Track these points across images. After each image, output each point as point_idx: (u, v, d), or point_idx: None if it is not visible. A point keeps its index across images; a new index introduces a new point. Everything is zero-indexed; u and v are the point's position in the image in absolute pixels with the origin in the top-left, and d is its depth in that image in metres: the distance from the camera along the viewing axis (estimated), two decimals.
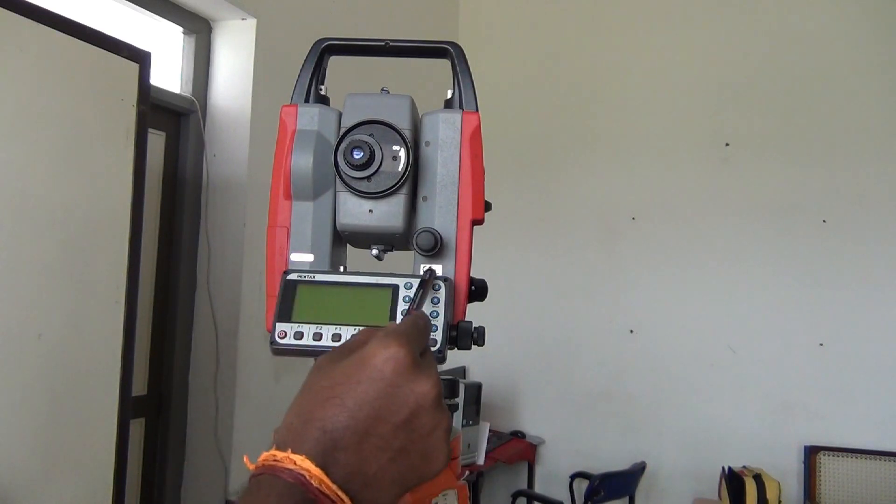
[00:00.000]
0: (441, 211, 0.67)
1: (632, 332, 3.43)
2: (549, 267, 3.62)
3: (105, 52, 1.67)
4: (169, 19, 2.32)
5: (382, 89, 0.69)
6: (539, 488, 3.49)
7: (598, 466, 3.19)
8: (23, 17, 1.49)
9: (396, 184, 0.64)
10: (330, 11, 2.82)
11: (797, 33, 3.26)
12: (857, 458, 2.98)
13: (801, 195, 3.17)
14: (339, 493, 0.40)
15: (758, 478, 2.43)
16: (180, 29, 2.41)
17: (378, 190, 0.65)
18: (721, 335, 3.25)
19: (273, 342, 0.60)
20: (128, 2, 2.13)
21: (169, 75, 2.37)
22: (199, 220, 2.42)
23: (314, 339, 0.60)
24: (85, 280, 1.59)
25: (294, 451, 0.41)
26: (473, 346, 0.64)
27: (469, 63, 0.71)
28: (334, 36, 0.76)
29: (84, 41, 1.62)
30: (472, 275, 0.70)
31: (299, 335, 0.60)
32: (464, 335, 0.63)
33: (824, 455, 3.01)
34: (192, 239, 2.41)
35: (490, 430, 3.03)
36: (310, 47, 0.74)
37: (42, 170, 1.55)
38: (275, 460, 0.41)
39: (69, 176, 1.60)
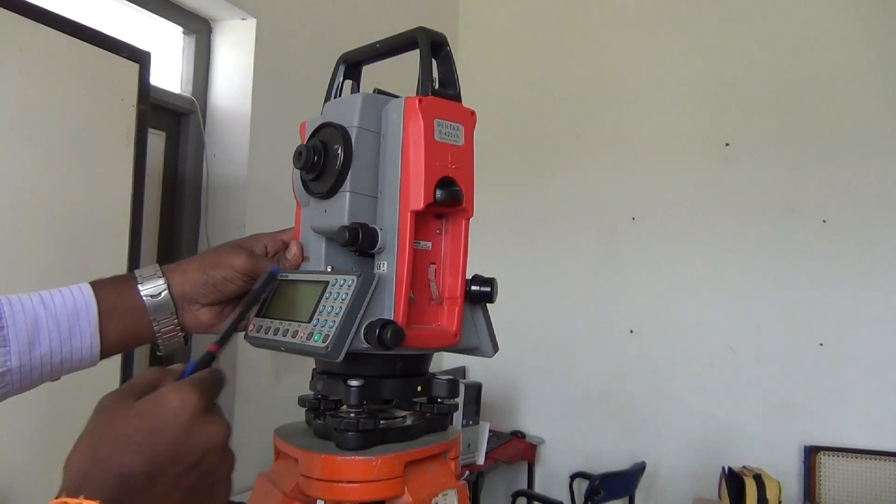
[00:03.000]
0: (388, 203, 0.64)
1: (632, 332, 3.43)
2: (548, 267, 3.62)
3: (105, 52, 1.67)
4: (169, 19, 2.32)
5: (375, 89, 0.69)
6: (539, 488, 3.49)
7: (598, 466, 3.19)
8: (23, 17, 1.49)
9: (335, 181, 0.64)
10: (330, 12, 2.82)
11: (797, 33, 3.26)
12: (857, 458, 2.98)
13: (801, 195, 3.17)
14: None
15: (758, 478, 2.43)
16: (180, 29, 2.41)
17: (323, 190, 0.65)
18: (721, 335, 3.25)
19: (246, 334, 0.69)
20: (128, 2, 2.13)
21: (169, 75, 2.37)
22: (199, 220, 2.42)
23: (273, 334, 0.65)
24: (85, 280, 1.59)
25: (87, 497, 0.41)
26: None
27: (454, 53, 0.68)
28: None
29: (84, 41, 1.62)
30: (479, 274, 0.69)
31: (265, 329, 0.66)
32: (370, 332, 0.59)
33: (824, 455, 3.01)
34: (192, 239, 2.41)
35: (490, 430, 3.03)
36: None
37: (42, 170, 1.55)
38: None
39: (69, 175, 1.60)
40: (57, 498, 0.42)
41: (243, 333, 0.70)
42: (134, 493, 0.43)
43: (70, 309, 0.63)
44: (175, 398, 0.46)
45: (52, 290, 0.64)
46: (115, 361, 1.63)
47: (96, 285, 0.66)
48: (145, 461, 0.44)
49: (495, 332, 0.71)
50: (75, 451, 0.46)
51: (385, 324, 0.59)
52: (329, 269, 0.68)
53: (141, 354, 2.15)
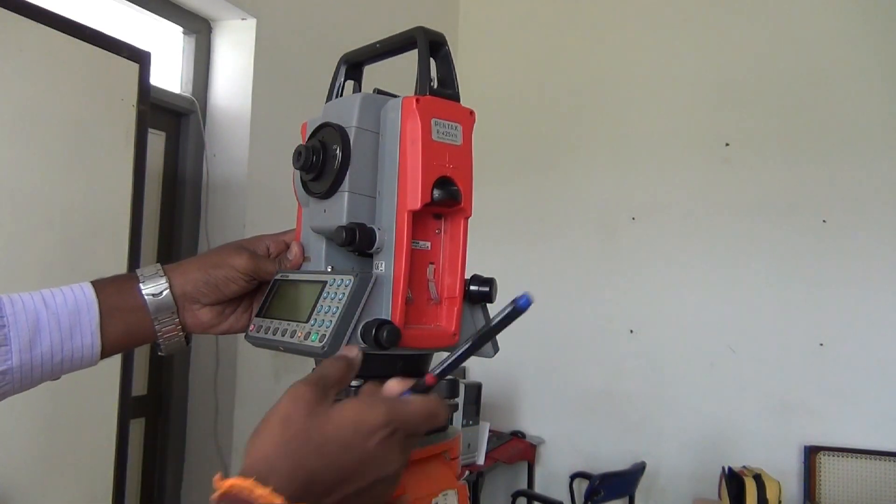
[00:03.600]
0: (386, 203, 0.63)
1: (632, 332, 3.44)
2: (548, 267, 3.62)
3: (105, 52, 1.67)
4: (169, 19, 2.32)
5: (375, 89, 0.69)
6: (539, 488, 3.49)
7: (598, 466, 3.19)
8: (23, 17, 1.49)
9: (333, 181, 0.64)
10: (330, 12, 2.82)
11: (797, 33, 3.26)
12: (857, 458, 2.98)
13: (801, 195, 3.17)
14: None
15: (758, 478, 2.43)
16: (180, 29, 2.41)
17: (322, 190, 0.65)
18: (721, 335, 3.25)
19: (246, 334, 0.69)
20: (128, 2, 2.13)
21: (169, 75, 2.37)
22: (199, 220, 2.42)
23: (272, 334, 0.65)
24: (85, 279, 1.59)
25: (275, 490, 0.42)
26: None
27: (453, 53, 0.67)
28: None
29: (84, 41, 1.62)
30: (478, 274, 0.69)
31: (265, 329, 0.66)
32: (366, 332, 0.59)
33: (824, 455, 3.01)
34: (192, 239, 2.41)
35: (490, 430, 3.03)
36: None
37: (42, 170, 1.55)
38: (251, 496, 0.42)
39: (69, 176, 1.60)
40: (244, 477, 0.43)
41: (244, 333, 0.70)
42: (312, 498, 0.44)
43: (71, 308, 0.63)
44: (366, 423, 0.47)
45: (53, 289, 0.64)
46: (116, 361, 1.63)
47: (97, 284, 0.66)
48: (332, 473, 0.45)
49: None
50: (265, 434, 0.47)
51: (381, 324, 0.59)
52: (329, 269, 0.68)
53: (141, 356, 2.15)
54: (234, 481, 0.43)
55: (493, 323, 0.54)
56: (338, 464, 0.46)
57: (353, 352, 0.56)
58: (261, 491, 0.42)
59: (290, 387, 0.50)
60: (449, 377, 0.67)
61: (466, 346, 0.54)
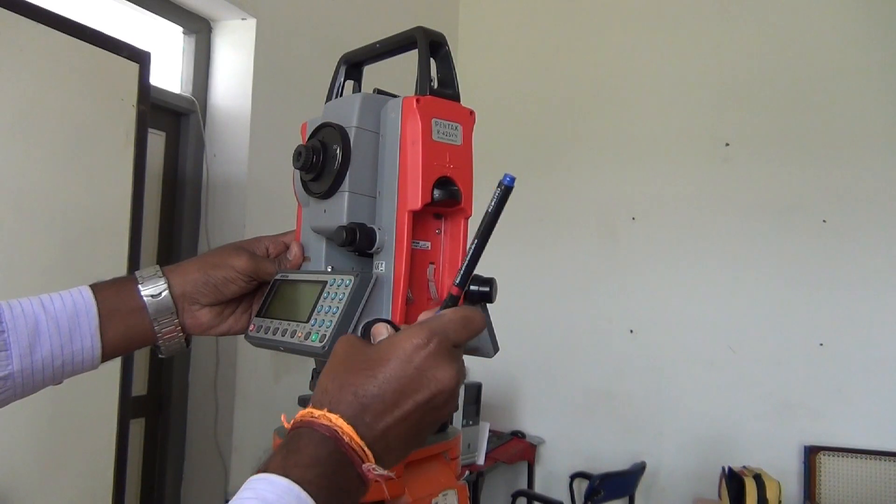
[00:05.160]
0: (386, 203, 0.63)
1: (632, 332, 3.43)
2: (548, 267, 3.62)
3: (105, 52, 1.67)
4: (169, 19, 2.32)
5: (375, 90, 0.69)
6: (539, 488, 3.49)
7: (598, 466, 3.19)
8: (23, 17, 1.49)
9: (333, 181, 0.64)
10: (330, 12, 2.82)
11: (797, 33, 3.26)
12: (857, 458, 2.98)
13: (801, 195, 3.17)
14: (366, 449, 0.47)
15: (758, 478, 2.43)
16: (180, 29, 2.41)
17: (322, 190, 0.65)
18: (721, 335, 3.25)
19: (247, 334, 0.69)
20: (128, 2, 2.13)
21: (169, 75, 2.37)
22: (199, 220, 2.42)
23: (272, 334, 0.65)
24: (85, 280, 1.58)
25: (330, 411, 0.47)
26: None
27: (453, 53, 0.67)
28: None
29: (84, 41, 1.62)
30: (478, 274, 0.69)
31: (265, 329, 0.67)
32: (366, 333, 0.59)
33: (824, 455, 3.01)
34: (192, 239, 2.41)
35: (490, 430, 3.03)
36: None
37: (42, 170, 1.55)
38: (312, 417, 0.47)
39: (69, 176, 1.60)
40: (320, 410, 0.48)
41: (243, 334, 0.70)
42: (367, 414, 0.48)
43: (70, 311, 0.63)
44: (411, 339, 0.50)
45: (51, 293, 0.64)
46: (115, 361, 1.63)
47: (96, 288, 0.66)
48: (377, 384, 0.49)
49: (495, 332, 0.71)
50: (322, 375, 0.51)
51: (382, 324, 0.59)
52: (329, 269, 0.68)
53: (141, 356, 2.15)
54: (299, 414, 0.49)
55: (490, 210, 0.58)
56: (389, 382, 0.49)
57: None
58: (318, 412, 0.47)
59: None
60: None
61: (474, 244, 0.57)
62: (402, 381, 0.49)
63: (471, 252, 0.57)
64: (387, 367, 0.49)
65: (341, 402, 0.48)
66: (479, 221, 0.59)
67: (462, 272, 0.57)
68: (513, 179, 0.58)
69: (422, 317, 0.56)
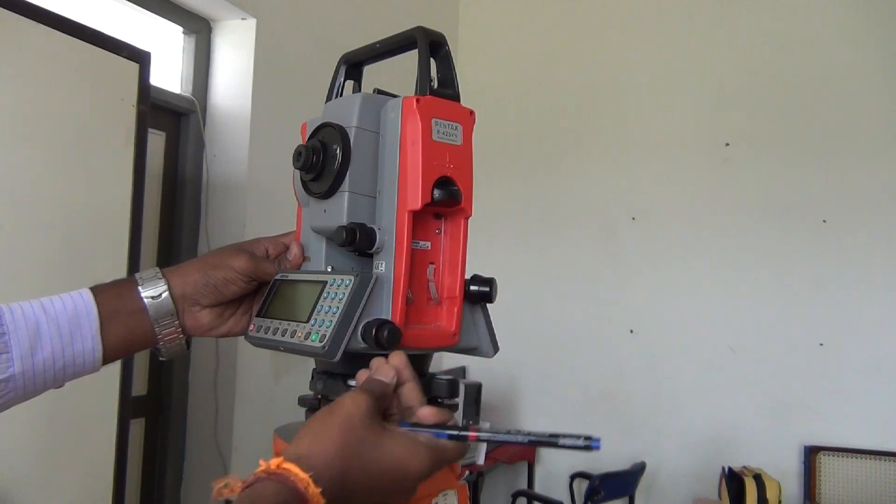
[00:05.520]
0: (386, 203, 0.63)
1: (632, 331, 3.43)
2: (548, 267, 3.62)
3: (105, 52, 1.67)
4: (169, 19, 2.32)
5: (375, 90, 0.69)
6: (539, 488, 3.49)
7: (598, 466, 3.18)
8: (23, 17, 1.49)
9: (333, 181, 0.64)
10: (330, 12, 2.82)
11: (797, 33, 3.25)
12: (857, 458, 2.98)
13: (801, 195, 3.16)
14: None
15: (758, 478, 2.43)
16: (180, 29, 2.41)
17: (322, 190, 0.65)
18: (721, 335, 3.25)
19: (247, 334, 0.70)
20: (128, 2, 2.13)
21: (169, 75, 2.37)
22: (199, 220, 2.42)
23: (272, 334, 0.65)
24: (85, 280, 1.58)
25: (323, 492, 0.46)
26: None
27: (453, 53, 0.67)
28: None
29: (84, 41, 1.62)
30: (478, 274, 0.69)
31: (265, 329, 0.67)
32: (366, 332, 0.60)
33: (824, 455, 3.01)
34: (192, 239, 2.41)
35: None
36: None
37: (42, 170, 1.55)
38: (305, 488, 0.46)
39: (69, 176, 1.60)
40: (299, 465, 0.46)
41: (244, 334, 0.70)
42: (340, 502, 0.48)
43: (70, 313, 0.63)
44: (415, 469, 0.52)
45: (51, 296, 0.64)
46: (115, 365, 1.63)
47: (96, 290, 0.66)
48: (363, 488, 0.50)
49: (495, 331, 0.71)
50: (325, 431, 0.50)
51: (382, 323, 0.59)
52: (329, 269, 0.68)
53: (141, 356, 2.15)
54: (289, 466, 0.46)
55: (559, 438, 0.54)
56: (373, 484, 0.51)
57: (402, 360, 0.57)
58: (313, 490, 0.46)
59: (347, 392, 0.53)
60: (449, 377, 0.67)
61: (523, 436, 0.54)
62: (382, 490, 0.51)
63: (514, 439, 0.54)
64: (383, 479, 0.51)
65: (334, 485, 0.48)
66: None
67: (493, 437, 0.56)
68: (598, 447, 0.55)
69: (423, 415, 0.56)
